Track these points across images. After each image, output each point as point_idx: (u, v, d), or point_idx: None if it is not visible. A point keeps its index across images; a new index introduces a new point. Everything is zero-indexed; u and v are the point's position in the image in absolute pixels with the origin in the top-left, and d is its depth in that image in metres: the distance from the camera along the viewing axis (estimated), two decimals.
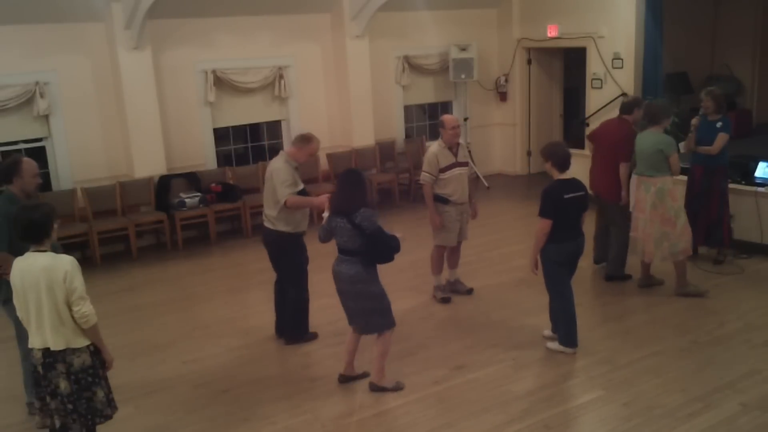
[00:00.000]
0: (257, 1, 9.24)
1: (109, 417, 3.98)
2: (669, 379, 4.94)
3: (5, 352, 5.99)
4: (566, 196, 5.12)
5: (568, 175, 5.22)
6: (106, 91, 8.61)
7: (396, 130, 10.99)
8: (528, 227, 8.32)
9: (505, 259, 7.63)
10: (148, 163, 8.65)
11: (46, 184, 8.50)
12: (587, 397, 4.75)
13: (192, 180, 8.98)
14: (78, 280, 3.67)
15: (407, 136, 11.27)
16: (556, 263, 5.24)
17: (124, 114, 8.54)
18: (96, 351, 3.86)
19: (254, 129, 10.21)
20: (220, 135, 9.74)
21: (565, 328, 5.36)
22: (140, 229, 8.64)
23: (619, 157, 6.54)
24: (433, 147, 6.32)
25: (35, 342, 3.76)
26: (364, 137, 10.23)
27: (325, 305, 6.57)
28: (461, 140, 6.45)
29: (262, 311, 6.43)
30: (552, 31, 10.65)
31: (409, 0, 10.34)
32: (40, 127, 8.36)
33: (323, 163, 9.93)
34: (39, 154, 8.52)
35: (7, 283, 3.99)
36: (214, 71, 9.16)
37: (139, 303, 6.99)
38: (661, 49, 9.76)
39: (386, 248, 4.90)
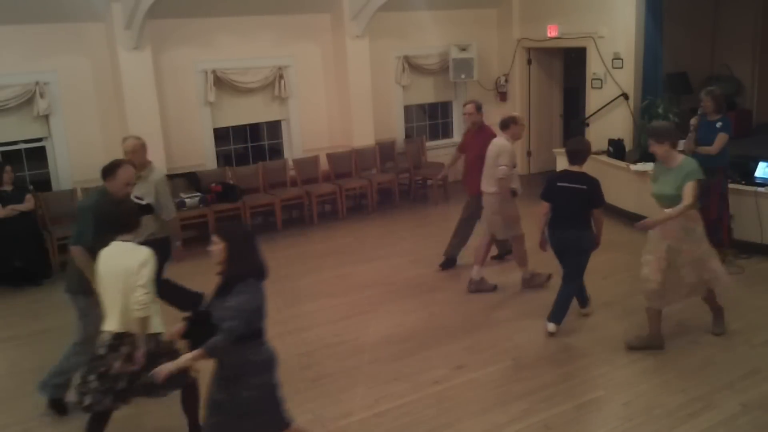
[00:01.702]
0: (257, 1, 9.24)
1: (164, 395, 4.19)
2: (669, 379, 4.94)
3: (5, 352, 5.99)
4: (558, 184, 5.56)
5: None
6: (106, 91, 8.61)
7: (396, 130, 10.99)
8: (528, 227, 8.31)
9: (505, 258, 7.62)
10: None
11: (45, 184, 8.51)
12: (587, 397, 4.75)
13: (192, 180, 8.98)
14: (148, 271, 3.95)
15: (407, 136, 11.27)
16: (551, 244, 5.73)
17: (124, 114, 8.54)
18: (160, 341, 4.07)
19: (254, 129, 10.22)
20: (220, 135, 9.74)
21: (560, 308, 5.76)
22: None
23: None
24: (503, 141, 6.50)
25: (109, 325, 4.03)
26: (364, 137, 10.23)
27: (325, 305, 6.59)
28: None
29: None
30: (552, 31, 10.65)
31: (409, 0, 10.34)
32: (40, 127, 8.36)
33: (323, 163, 9.93)
34: (39, 154, 8.53)
35: (79, 274, 4.48)
36: (214, 71, 9.17)
37: None
38: (661, 49, 9.76)
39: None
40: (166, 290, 5.46)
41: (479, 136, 7.03)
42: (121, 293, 3.96)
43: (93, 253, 4.24)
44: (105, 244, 4.07)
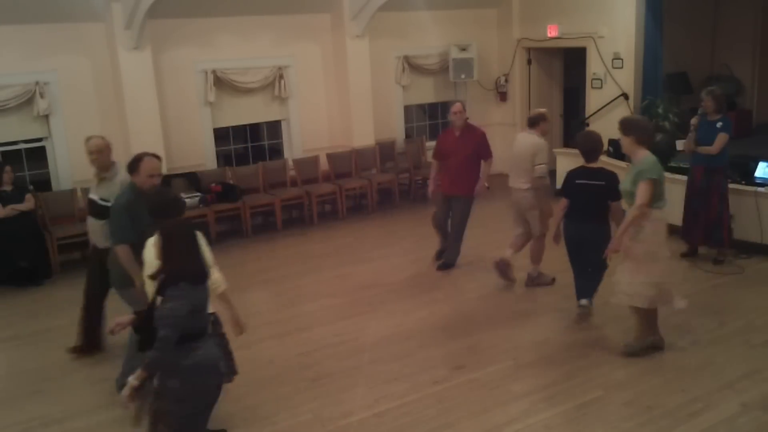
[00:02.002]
0: (257, 1, 9.24)
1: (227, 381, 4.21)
2: (669, 379, 4.94)
3: (5, 352, 5.99)
4: (577, 182, 5.71)
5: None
6: (106, 91, 8.61)
7: (396, 130, 10.99)
8: None
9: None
10: None
11: (45, 183, 8.51)
12: (587, 397, 4.75)
13: (192, 180, 8.98)
14: (205, 251, 4.00)
15: (407, 136, 11.27)
16: (566, 237, 5.84)
17: (124, 114, 8.53)
18: (215, 321, 4.17)
19: (254, 129, 10.22)
20: (220, 135, 9.74)
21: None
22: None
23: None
24: (537, 139, 6.52)
25: None
26: (364, 137, 10.23)
27: (325, 305, 6.59)
28: None
29: (262, 311, 6.43)
30: (552, 31, 10.65)
31: (409, 0, 10.34)
32: (40, 127, 8.36)
33: (323, 163, 9.93)
34: (39, 154, 8.53)
35: (123, 269, 4.62)
36: (214, 71, 9.17)
37: None
38: (661, 49, 9.76)
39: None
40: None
41: (469, 135, 7.10)
42: None
43: (135, 248, 4.36)
44: (147, 236, 4.10)
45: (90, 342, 5.67)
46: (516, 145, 6.67)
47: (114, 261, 4.80)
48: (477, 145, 6.96)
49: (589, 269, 5.89)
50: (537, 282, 6.76)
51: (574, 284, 6.09)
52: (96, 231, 5.39)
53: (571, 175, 5.82)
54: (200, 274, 3.54)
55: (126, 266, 4.62)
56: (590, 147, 5.78)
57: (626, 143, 5.09)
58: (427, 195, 7.65)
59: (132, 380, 3.33)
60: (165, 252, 3.46)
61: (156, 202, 4.21)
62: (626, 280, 5.10)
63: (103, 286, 5.46)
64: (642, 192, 4.89)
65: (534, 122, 6.58)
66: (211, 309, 4.03)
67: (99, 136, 5.62)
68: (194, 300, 3.44)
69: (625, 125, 5.12)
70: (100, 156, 5.39)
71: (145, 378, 3.35)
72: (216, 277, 4.06)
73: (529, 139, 6.54)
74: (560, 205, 5.84)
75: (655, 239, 5.02)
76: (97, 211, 5.31)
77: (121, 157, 8.64)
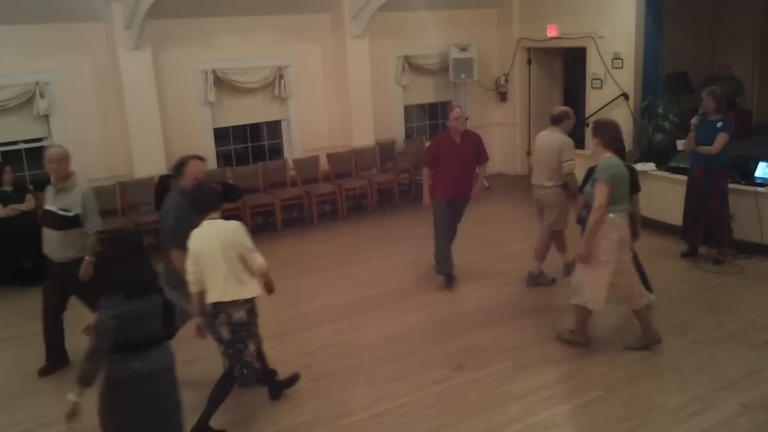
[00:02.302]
0: (257, 1, 9.24)
1: (258, 371, 4.56)
2: (669, 379, 4.94)
3: (5, 352, 5.99)
4: None
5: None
6: (106, 91, 8.61)
7: (396, 130, 10.98)
8: (528, 227, 8.32)
9: (506, 259, 7.62)
10: (148, 163, 8.65)
11: (45, 184, 8.45)
12: (587, 397, 4.75)
13: None
14: (246, 239, 4.33)
15: (407, 136, 11.26)
16: None
17: (124, 114, 8.54)
18: (251, 310, 4.38)
19: (254, 129, 10.21)
20: (220, 135, 9.74)
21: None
22: (140, 229, 8.61)
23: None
24: (563, 136, 6.51)
25: (210, 297, 4.31)
26: (364, 137, 10.23)
27: (325, 305, 6.59)
28: None
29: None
30: (552, 31, 10.65)
31: (409, 0, 10.34)
32: (40, 127, 8.36)
33: (323, 163, 9.93)
34: (39, 154, 8.51)
35: (176, 270, 4.69)
36: (214, 71, 9.17)
37: None
38: (661, 49, 9.76)
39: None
40: (83, 291, 5.44)
41: (469, 139, 6.82)
42: (220, 265, 4.24)
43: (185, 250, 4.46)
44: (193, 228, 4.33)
45: (55, 359, 5.50)
46: (539, 143, 6.62)
47: (168, 262, 4.84)
48: (477, 149, 6.84)
49: None
50: (537, 282, 6.76)
51: None
52: (54, 242, 5.28)
53: (591, 170, 5.68)
54: (137, 288, 3.53)
55: (182, 269, 4.57)
56: (616, 136, 5.69)
57: (593, 144, 5.26)
58: (424, 204, 7.04)
59: (71, 396, 3.38)
60: (103, 261, 3.61)
61: (196, 198, 4.40)
62: (577, 280, 5.28)
63: (60, 301, 5.40)
64: (598, 193, 5.00)
65: (558, 119, 6.56)
66: (251, 294, 4.35)
67: (58, 145, 5.52)
68: (129, 313, 3.45)
69: (595, 127, 5.30)
70: (60, 165, 5.27)
71: (82, 392, 3.39)
72: (260, 261, 4.34)
73: (554, 137, 6.51)
74: (580, 201, 5.70)
75: (606, 243, 5.06)
76: (58, 222, 5.22)
77: (121, 157, 8.76)
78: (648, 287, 5.98)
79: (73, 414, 3.41)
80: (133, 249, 3.62)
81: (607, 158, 5.12)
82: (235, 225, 4.35)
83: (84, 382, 3.39)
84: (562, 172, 6.42)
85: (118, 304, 3.44)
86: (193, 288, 4.33)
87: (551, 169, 6.45)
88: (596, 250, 5.09)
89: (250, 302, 4.38)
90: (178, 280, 4.67)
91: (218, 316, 4.33)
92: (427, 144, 11.06)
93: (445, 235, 6.91)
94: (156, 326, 3.61)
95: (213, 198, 4.40)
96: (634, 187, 5.53)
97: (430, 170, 6.89)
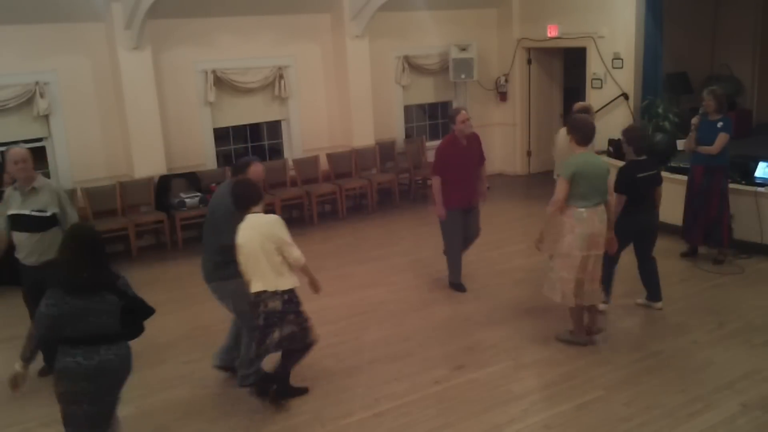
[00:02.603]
0: (257, 1, 9.24)
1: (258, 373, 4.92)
2: (669, 379, 4.94)
3: (5, 352, 5.99)
4: (639, 176, 5.74)
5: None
6: (106, 91, 8.61)
7: (396, 130, 10.99)
8: (528, 227, 8.33)
9: (506, 259, 7.62)
10: (148, 163, 8.65)
11: None
12: (587, 397, 4.75)
13: (192, 180, 8.98)
14: (283, 231, 4.48)
15: (407, 136, 11.26)
16: (631, 232, 5.79)
17: (124, 114, 8.54)
18: (290, 300, 4.55)
19: (254, 129, 10.21)
20: (220, 135, 9.74)
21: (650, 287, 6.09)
22: (140, 229, 8.63)
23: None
24: None
25: (252, 287, 4.53)
26: (364, 137, 10.23)
27: (325, 305, 6.57)
28: None
29: None
30: (552, 31, 10.65)
31: (409, 0, 10.34)
32: (40, 127, 8.36)
33: (323, 163, 9.93)
34: (39, 154, 8.52)
35: (216, 264, 4.89)
36: (214, 71, 9.17)
37: None
38: (661, 49, 9.76)
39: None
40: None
41: (474, 142, 6.67)
42: (260, 257, 4.43)
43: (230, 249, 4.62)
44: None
45: (52, 360, 5.34)
46: (560, 140, 6.60)
47: (210, 257, 4.94)
48: (480, 151, 6.71)
49: (646, 261, 6.04)
50: None
51: (644, 286, 6.13)
52: (29, 246, 5.11)
53: (630, 170, 5.80)
54: (80, 286, 3.60)
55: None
56: (644, 144, 5.97)
57: (567, 141, 5.42)
58: (440, 217, 6.55)
59: (16, 366, 3.74)
60: (59, 253, 3.72)
61: (239, 193, 4.55)
62: (549, 273, 5.48)
63: None
64: (556, 188, 5.24)
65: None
66: (290, 285, 4.52)
67: (21, 147, 5.24)
68: (71, 308, 3.56)
69: (569, 124, 5.47)
70: (26, 165, 5.08)
71: (23, 365, 3.74)
72: (296, 255, 4.48)
73: None
74: (620, 202, 5.69)
75: (570, 237, 5.20)
76: (36, 224, 5.05)
77: (121, 157, 8.76)
78: (657, 296, 6.03)
79: (14, 380, 3.74)
80: (88, 247, 3.68)
81: (572, 156, 5.26)
82: (272, 218, 4.53)
83: (23, 358, 3.72)
84: None
85: (58, 297, 3.57)
86: (245, 278, 4.57)
87: None
88: (562, 244, 5.24)
89: (288, 293, 4.54)
90: (217, 272, 4.89)
91: (259, 305, 4.54)
92: (428, 144, 11.13)
93: (463, 244, 6.73)
94: (104, 324, 3.64)
95: (254, 193, 4.58)
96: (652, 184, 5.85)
97: (439, 179, 6.48)
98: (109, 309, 3.64)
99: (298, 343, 4.66)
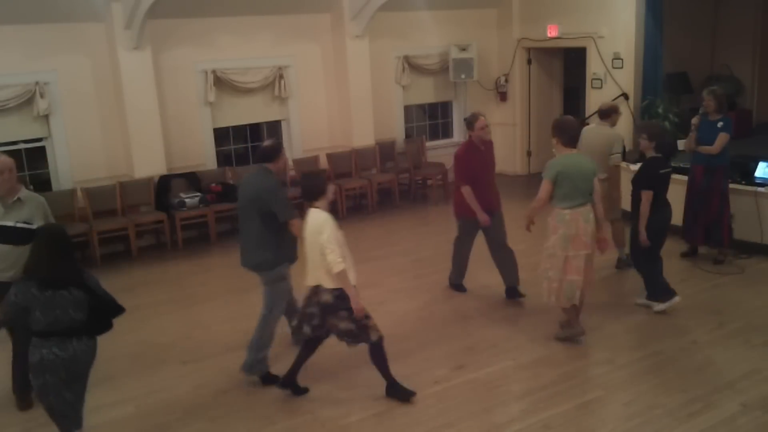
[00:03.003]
0: (257, 1, 9.24)
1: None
2: (669, 379, 4.94)
3: (6, 352, 5.99)
4: (661, 171, 5.84)
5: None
6: (106, 91, 8.61)
7: (396, 130, 10.99)
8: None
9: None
10: (148, 163, 8.65)
11: (45, 183, 8.51)
12: (587, 397, 4.75)
13: (192, 180, 8.98)
14: (326, 233, 4.53)
15: (407, 136, 11.27)
16: (659, 229, 5.91)
17: (124, 114, 8.54)
18: (341, 296, 4.59)
19: (254, 129, 10.21)
20: (220, 135, 9.74)
21: (652, 288, 6.03)
22: (140, 229, 8.63)
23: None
24: (610, 129, 6.79)
25: (308, 280, 4.72)
26: (364, 137, 10.23)
27: None
28: None
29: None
30: (552, 31, 10.65)
31: (409, 0, 10.34)
32: (40, 127, 8.36)
33: (323, 163, 9.93)
34: (39, 154, 8.53)
35: (264, 251, 5.00)
36: (214, 71, 9.17)
37: (139, 303, 6.97)
38: (661, 49, 9.76)
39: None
40: None
41: (490, 147, 6.46)
42: (311, 252, 4.62)
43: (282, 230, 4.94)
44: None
45: (24, 388, 4.87)
46: (587, 137, 6.57)
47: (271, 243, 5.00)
48: (493, 155, 6.56)
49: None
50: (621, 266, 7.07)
51: (661, 282, 6.07)
52: (9, 260, 4.67)
53: (653, 166, 5.92)
54: (48, 281, 3.82)
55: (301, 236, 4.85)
56: (667, 140, 6.11)
57: (554, 143, 5.41)
58: (484, 223, 6.36)
59: None
60: (30, 252, 3.93)
61: (308, 184, 4.75)
62: (540, 272, 5.55)
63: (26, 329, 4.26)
64: (540, 188, 5.35)
65: (606, 114, 6.80)
66: (332, 285, 4.58)
67: (4, 155, 4.89)
68: (37, 300, 3.78)
69: (554, 126, 5.42)
70: (11, 175, 4.76)
71: None
72: (330, 258, 4.49)
73: (603, 131, 6.75)
74: (648, 199, 5.81)
75: (554, 238, 5.28)
76: (20, 237, 4.56)
77: (121, 157, 8.76)
78: (670, 292, 6.02)
79: None
80: (53, 244, 3.90)
81: (556, 158, 5.34)
82: (322, 217, 4.60)
83: None
84: (609, 164, 6.64)
85: (25, 288, 3.80)
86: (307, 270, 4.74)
87: (602, 162, 6.49)
88: (548, 243, 5.37)
89: (337, 290, 4.61)
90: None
91: (312, 298, 4.73)
92: (428, 144, 11.13)
93: (497, 250, 6.59)
94: (71, 318, 3.84)
95: (323, 185, 4.71)
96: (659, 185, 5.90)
97: (470, 188, 6.22)
98: (75, 303, 3.86)
99: (361, 340, 4.72)
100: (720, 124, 6.76)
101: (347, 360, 5.46)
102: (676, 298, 5.96)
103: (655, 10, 9.53)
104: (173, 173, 8.89)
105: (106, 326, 4.09)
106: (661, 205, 5.92)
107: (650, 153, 5.98)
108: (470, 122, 6.28)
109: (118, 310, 4.13)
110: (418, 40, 10.81)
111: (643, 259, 6.03)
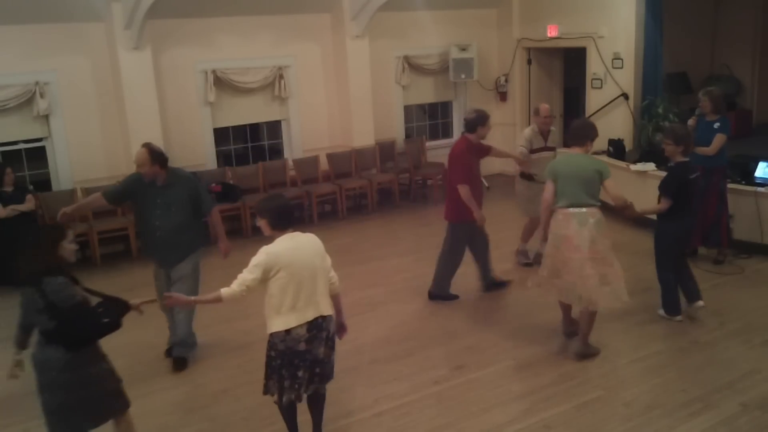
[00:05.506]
0: (257, 1, 9.24)
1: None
2: (669, 379, 4.94)
3: (5, 352, 5.98)
4: (691, 177, 5.60)
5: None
6: (106, 91, 8.61)
7: (396, 130, 10.99)
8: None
9: (506, 259, 7.61)
10: None
11: (45, 184, 8.51)
12: (587, 397, 4.75)
13: None
14: (328, 258, 4.16)
15: (407, 136, 11.27)
16: (676, 239, 5.71)
17: (124, 114, 8.54)
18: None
19: (254, 129, 10.22)
20: (220, 135, 9.74)
21: (667, 297, 5.84)
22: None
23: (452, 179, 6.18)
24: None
25: (306, 316, 3.94)
26: (364, 137, 10.23)
27: None
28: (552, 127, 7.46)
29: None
30: (552, 31, 10.65)
31: (409, 0, 10.34)
32: (40, 127, 8.36)
33: (323, 163, 9.93)
34: (39, 154, 8.53)
35: None
36: (214, 71, 9.17)
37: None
38: (661, 49, 9.77)
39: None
40: None
41: (482, 147, 6.55)
42: (320, 277, 4.09)
43: None
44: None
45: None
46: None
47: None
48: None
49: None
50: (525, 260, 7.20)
51: (681, 290, 5.87)
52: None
53: (681, 172, 5.57)
54: (12, 278, 3.86)
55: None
56: (687, 139, 5.63)
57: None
58: (480, 222, 6.25)
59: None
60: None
61: (277, 209, 4.39)
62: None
63: None
64: (544, 188, 5.32)
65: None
66: (328, 312, 4.06)
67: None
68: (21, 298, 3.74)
69: (573, 130, 5.36)
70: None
71: (17, 351, 4.06)
72: (335, 277, 4.18)
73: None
74: (664, 206, 5.55)
75: (551, 235, 5.25)
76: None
77: (121, 157, 8.75)
78: (696, 296, 5.86)
79: (12, 369, 4.05)
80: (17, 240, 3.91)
81: (555, 159, 5.47)
82: (314, 236, 4.25)
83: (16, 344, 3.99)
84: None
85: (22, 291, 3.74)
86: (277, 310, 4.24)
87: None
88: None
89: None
90: None
91: (318, 335, 4.12)
92: (428, 144, 11.12)
93: (484, 250, 6.58)
94: (39, 321, 3.68)
95: (291, 212, 4.49)
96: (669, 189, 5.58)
97: (468, 188, 6.09)
98: (31, 305, 3.66)
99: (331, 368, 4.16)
100: (717, 125, 6.76)
101: (347, 360, 5.46)
102: (678, 317, 5.82)
103: (655, 10, 9.54)
104: None
105: (72, 343, 3.61)
106: (686, 213, 5.61)
107: (678, 158, 5.58)
108: (481, 122, 6.22)
109: (82, 332, 3.61)
110: (418, 40, 10.81)
111: (662, 267, 5.78)
